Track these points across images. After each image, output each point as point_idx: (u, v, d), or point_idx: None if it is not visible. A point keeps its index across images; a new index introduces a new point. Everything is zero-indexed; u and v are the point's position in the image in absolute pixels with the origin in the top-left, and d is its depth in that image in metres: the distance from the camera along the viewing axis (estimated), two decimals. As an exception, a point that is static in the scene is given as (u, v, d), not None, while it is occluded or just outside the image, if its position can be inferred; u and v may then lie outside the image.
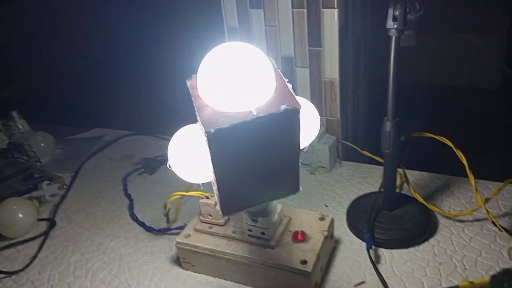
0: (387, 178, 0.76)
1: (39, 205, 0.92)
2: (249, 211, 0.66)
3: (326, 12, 0.86)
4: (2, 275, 0.77)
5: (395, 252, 0.72)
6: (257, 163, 0.54)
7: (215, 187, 0.57)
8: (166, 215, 0.86)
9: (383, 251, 0.73)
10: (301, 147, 0.56)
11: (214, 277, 0.71)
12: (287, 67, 0.94)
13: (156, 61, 1.67)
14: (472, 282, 0.63)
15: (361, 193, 0.87)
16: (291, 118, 0.51)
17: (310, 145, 0.91)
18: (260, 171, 0.55)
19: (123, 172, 1.04)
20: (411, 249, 0.72)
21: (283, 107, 0.50)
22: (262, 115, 0.50)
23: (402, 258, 0.71)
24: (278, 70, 0.55)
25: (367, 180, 0.91)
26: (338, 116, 0.95)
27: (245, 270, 0.68)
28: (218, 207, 0.60)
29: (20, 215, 0.85)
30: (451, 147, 0.74)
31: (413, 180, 0.88)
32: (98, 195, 0.97)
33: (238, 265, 0.68)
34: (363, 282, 0.67)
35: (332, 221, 0.72)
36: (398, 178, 0.80)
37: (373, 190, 0.87)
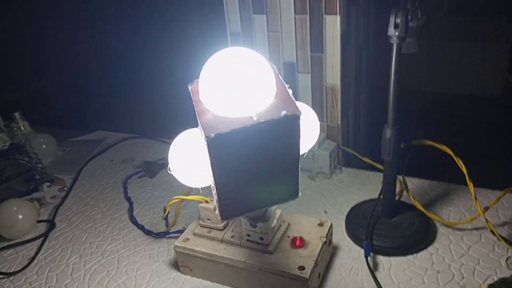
0: (387, 185, 0.76)
1: (39, 207, 0.93)
2: (248, 216, 0.66)
3: (328, 18, 0.86)
4: (1, 276, 0.77)
5: (394, 259, 0.72)
6: (257, 168, 0.54)
7: (214, 192, 0.57)
8: (165, 218, 0.86)
9: (381, 258, 0.73)
10: (301, 153, 0.56)
11: (212, 281, 0.71)
12: (289, 73, 0.95)
13: (159, 65, 1.67)
14: (470, 291, 0.63)
15: (361, 199, 0.87)
16: (291, 124, 0.52)
17: (311, 151, 0.91)
18: (259, 176, 0.55)
19: (123, 175, 1.04)
20: (410, 257, 0.72)
21: (283, 113, 0.50)
22: (262, 120, 0.50)
23: (400, 265, 0.71)
24: (279, 76, 0.56)
25: (367, 186, 0.91)
26: (339, 122, 0.95)
27: (243, 275, 0.68)
28: (217, 211, 0.60)
29: (20, 216, 0.85)
30: (451, 155, 0.74)
31: (413, 188, 0.88)
32: (98, 197, 0.98)
33: (236, 270, 0.68)
34: (361, 289, 0.67)
35: (331, 227, 0.72)
36: (397, 185, 0.80)
37: (372, 197, 0.86)
